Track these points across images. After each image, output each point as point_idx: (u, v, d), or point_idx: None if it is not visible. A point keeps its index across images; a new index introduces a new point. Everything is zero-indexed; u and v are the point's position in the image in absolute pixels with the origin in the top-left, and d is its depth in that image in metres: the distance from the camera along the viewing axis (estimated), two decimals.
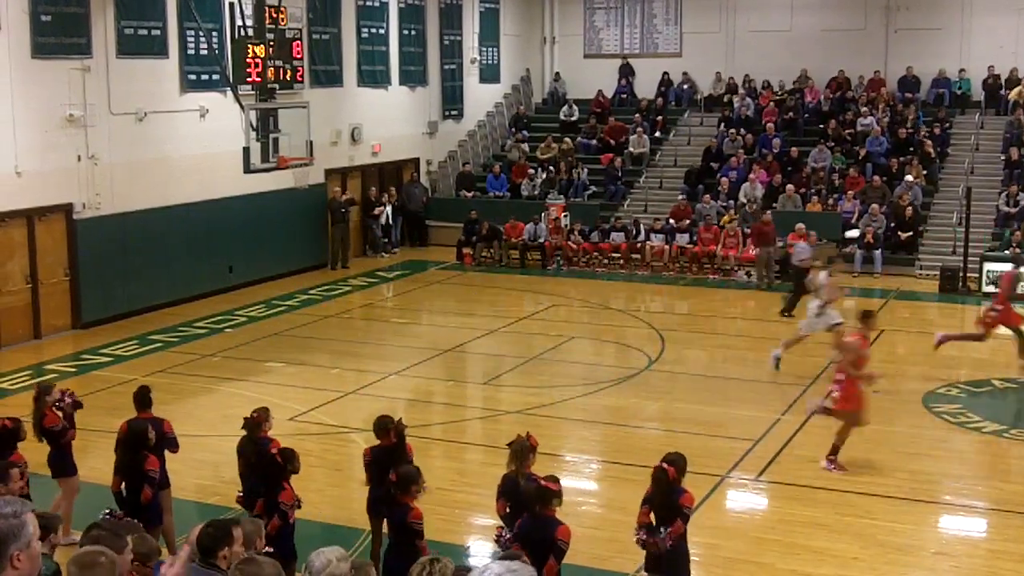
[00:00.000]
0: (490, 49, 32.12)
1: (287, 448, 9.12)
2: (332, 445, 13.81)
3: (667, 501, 8.45)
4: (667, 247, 25.15)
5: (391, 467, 8.94)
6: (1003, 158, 26.81)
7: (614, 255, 25.55)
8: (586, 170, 28.83)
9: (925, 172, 26.62)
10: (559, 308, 22.07)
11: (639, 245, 25.49)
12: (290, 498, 8.76)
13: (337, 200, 25.37)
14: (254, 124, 18.96)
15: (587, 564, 9.93)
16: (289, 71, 19.74)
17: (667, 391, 16.18)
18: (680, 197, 27.14)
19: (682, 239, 25.24)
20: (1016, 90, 28.22)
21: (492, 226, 26.31)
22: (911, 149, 27.49)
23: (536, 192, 28.53)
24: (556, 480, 8.07)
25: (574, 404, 15.42)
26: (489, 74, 32.20)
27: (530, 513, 7.94)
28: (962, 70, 29.35)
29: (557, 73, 33.88)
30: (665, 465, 8.47)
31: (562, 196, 27.63)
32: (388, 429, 9.72)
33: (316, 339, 19.16)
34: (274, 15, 19.55)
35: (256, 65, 18.81)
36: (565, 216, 26.65)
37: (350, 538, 10.30)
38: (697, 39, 32.07)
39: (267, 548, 7.12)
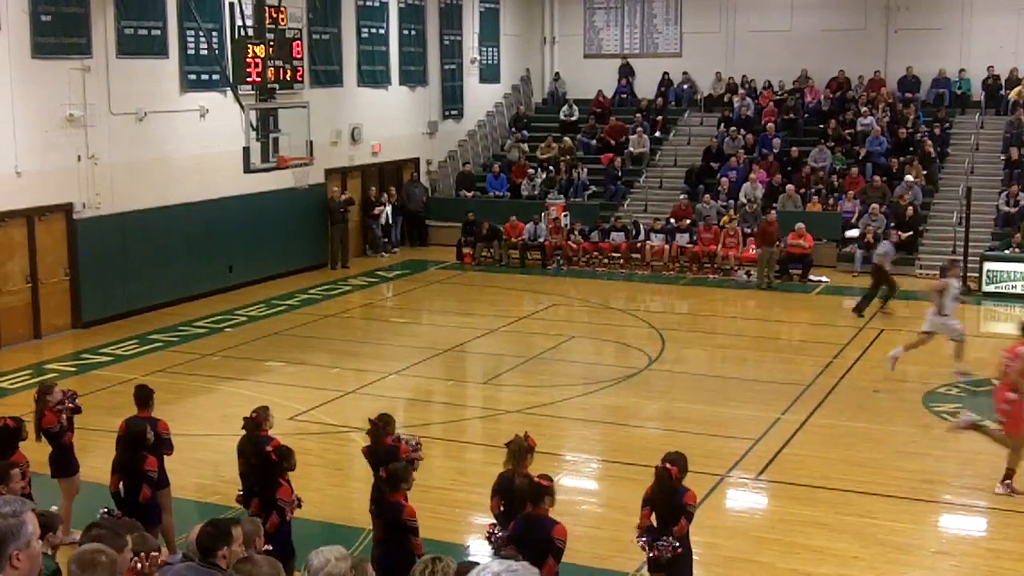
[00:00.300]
0: (490, 49, 32.13)
1: (282, 445, 9.13)
2: (332, 444, 13.80)
3: (669, 501, 8.43)
4: (667, 247, 25.15)
5: (381, 465, 8.96)
6: (1003, 158, 26.80)
7: (614, 255, 25.55)
8: (586, 170, 28.82)
9: (925, 172, 26.62)
10: (559, 308, 22.08)
11: (639, 245, 25.48)
12: (288, 495, 8.76)
13: (336, 200, 25.38)
14: (254, 124, 18.96)
15: (588, 563, 9.94)
16: (289, 71, 19.74)
17: (667, 390, 16.17)
18: (681, 197, 27.14)
19: (682, 239, 25.23)
20: (1016, 90, 28.22)
21: (492, 226, 26.31)
22: (911, 149, 27.49)
23: (536, 192, 28.53)
24: (549, 478, 8.06)
25: (574, 403, 15.42)
26: (489, 74, 32.21)
27: (523, 512, 7.92)
28: (962, 70, 29.35)
29: (557, 73, 33.88)
30: (668, 465, 8.45)
31: (562, 196, 27.63)
32: (384, 426, 9.77)
33: (316, 339, 19.16)
34: (274, 15, 19.56)
35: (256, 65, 18.81)
36: (565, 216, 26.65)
37: (350, 537, 10.29)
38: (697, 39, 32.07)
39: (266, 547, 7.13)
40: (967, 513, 11.81)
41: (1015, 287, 22.20)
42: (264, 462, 8.98)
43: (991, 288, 22.31)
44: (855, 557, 10.40)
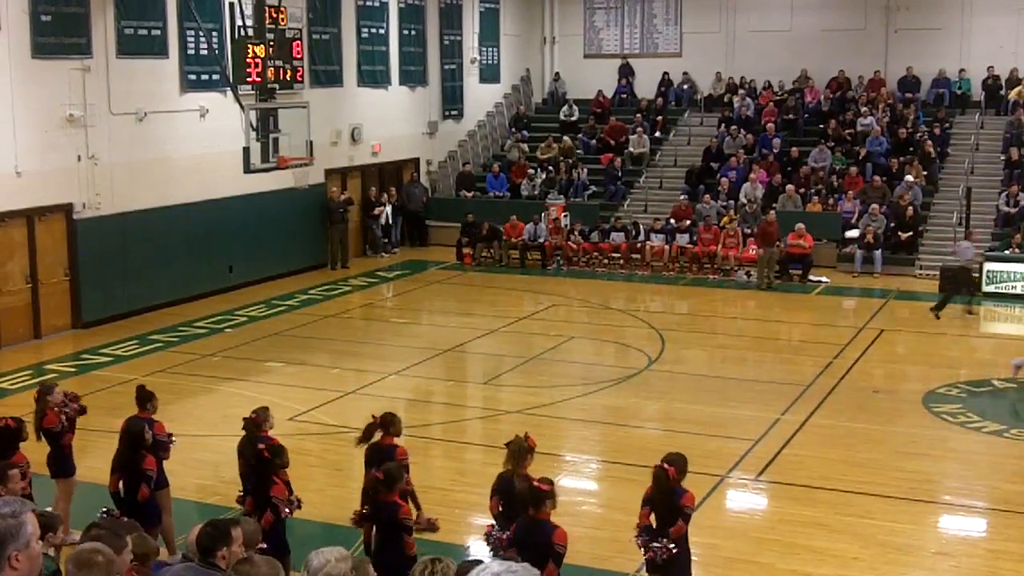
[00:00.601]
0: (490, 49, 32.13)
1: (275, 444, 9.14)
2: (332, 445, 13.80)
3: (668, 502, 8.44)
4: (667, 247, 25.15)
5: (375, 464, 8.97)
6: (1003, 158, 26.80)
7: (614, 255, 25.54)
8: (586, 170, 28.82)
9: (925, 172, 26.62)
10: (559, 308, 22.07)
11: (639, 245, 25.48)
12: (282, 493, 8.77)
13: (335, 200, 25.37)
14: (254, 124, 18.96)
15: (588, 564, 9.94)
16: (289, 71, 19.74)
17: (667, 391, 16.17)
18: (681, 197, 27.14)
19: (682, 239, 25.23)
20: (1016, 90, 28.22)
21: (492, 226, 26.31)
22: (911, 149, 27.49)
23: (536, 192, 28.53)
24: (550, 482, 8.04)
25: (574, 404, 15.42)
26: (489, 74, 32.21)
27: (524, 515, 7.92)
28: (962, 70, 29.34)
29: (557, 73, 33.87)
30: (665, 465, 8.46)
31: (562, 196, 27.63)
32: (386, 425, 9.79)
33: (316, 339, 19.16)
34: (274, 15, 19.56)
35: (256, 65, 18.81)
36: (565, 216, 26.65)
37: (350, 538, 10.27)
38: (697, 39, 32.06)
39: (260, 544, 7.13)
40: (967, 514, 11.81)
41: (1015, 287, 22.19)
42: (258, 460, 9.01)
43: (991, 288, 22.30)
44: (855, 558, 10.40)
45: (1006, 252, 22.97)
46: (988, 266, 22.52)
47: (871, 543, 10.69)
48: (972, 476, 12.85)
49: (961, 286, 20.79)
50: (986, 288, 22.31)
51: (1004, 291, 22.24)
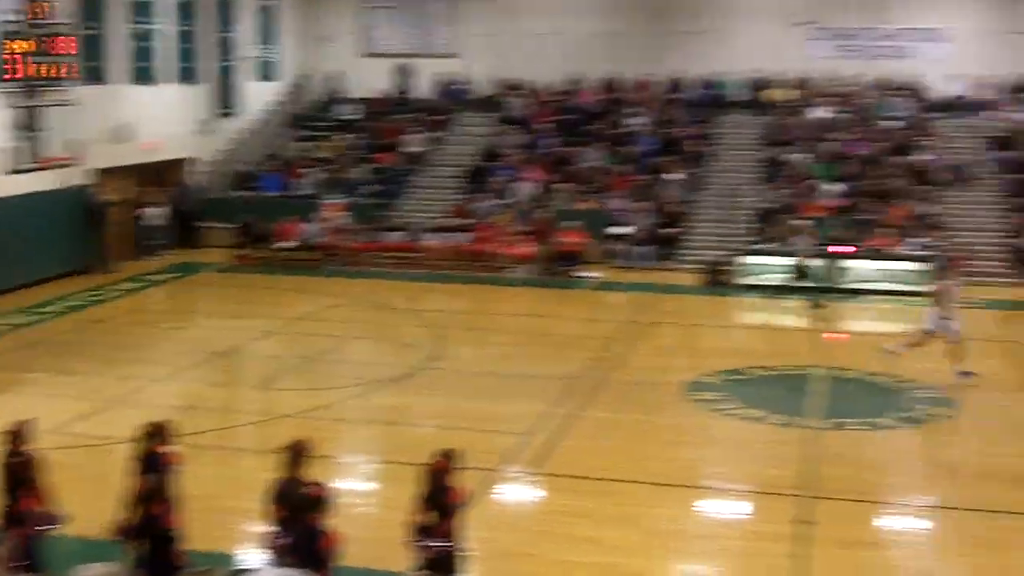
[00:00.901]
0: (267, 47, 31.72)
1: (32, 457, 8.84)
2: (96, 456, 13.35)
3: (440, 498, 8.58)
4: (444, 245, 25.39)
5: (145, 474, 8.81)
6: (763, 157, 28.16)
7: (392, 254, 25.59)
8: (363, 169, 28.78)
9: (689, 170, 27.71)
10: (336, 308, 21.98)
11: (416, 244, 25.62)
12: (35, 506, 8.50)
13: (97, 200, 24.40)
14: (17, 123, 18.19)
15: (363, 565, 9.95)
16: (55, 67, 19.05)
17: (444, 388, 16.32)
18: (457, 196, 27.43)
19: (459, 237, 25.52)
20: (776, 91, 29.82)
21: (268, 226, 25.97)
22: (677, 148, 28.57)
23: (313, 191, 28.29)
24: (324, 486, 8.07)
25: (351, 405, 15.42)
26: (266, 72, 31.80)
27: (299, 520, 7.92)
28: (726, 72, 30.66)
29: (334, 72, 33.63)
30: (436, 463, 8.61)
31: (339, 195, 27.51)
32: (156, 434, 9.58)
33: (82, 346, 18.48)
34: (39, 10, 18.81)
35: (19, 61, 18.07)
36: (342, 215, 26.54)
37: (113, 553, 10.00)
38: (473, 40, 32.45)
39: (18, 562, 6.93)
40: (727, 498, 12.36)
41: (771, 279, 23.28)
42: (15, 475, 8.72)
43: (749, 280, 23.38)
44: (623, 546, 10.69)
45: (764, 246, 24.10)
46: (744, 259, 23.63)
47: (638, 530, 11.04)
48: (733, 461, 13.49)
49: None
50: (744, 280, 23.36)
51: (761, 283, 23.33)
